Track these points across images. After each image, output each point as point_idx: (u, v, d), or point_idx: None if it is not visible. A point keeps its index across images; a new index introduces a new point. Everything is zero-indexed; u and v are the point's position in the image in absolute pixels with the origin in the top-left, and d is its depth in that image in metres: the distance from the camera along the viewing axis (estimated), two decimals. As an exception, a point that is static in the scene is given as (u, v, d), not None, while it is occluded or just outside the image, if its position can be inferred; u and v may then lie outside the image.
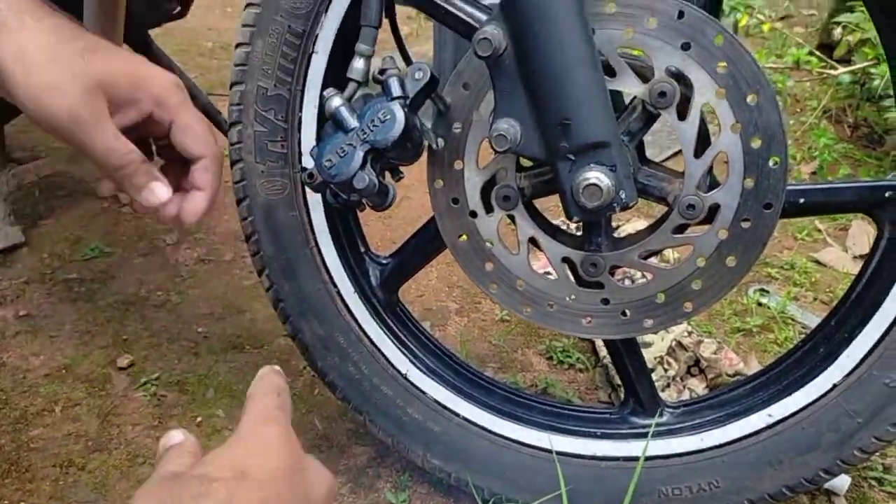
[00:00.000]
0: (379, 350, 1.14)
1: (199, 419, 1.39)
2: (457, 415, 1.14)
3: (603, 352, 1.52)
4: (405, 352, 1.15)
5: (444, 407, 1.14)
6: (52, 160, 2.02)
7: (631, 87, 0.85)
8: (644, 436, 1.08)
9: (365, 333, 1.14)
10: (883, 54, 0.92)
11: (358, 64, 0.85)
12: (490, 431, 1.13)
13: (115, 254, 1.90)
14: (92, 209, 2.10)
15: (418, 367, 1.15)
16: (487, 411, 1.14)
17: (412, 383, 1.15)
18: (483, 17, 0.95)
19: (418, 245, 1.15)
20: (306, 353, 1.17)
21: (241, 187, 1.08)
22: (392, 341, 1.15)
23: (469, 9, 0.97)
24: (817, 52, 2.70)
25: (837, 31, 2.68)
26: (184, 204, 0.87)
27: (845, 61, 2.59)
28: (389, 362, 1.15)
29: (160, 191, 0.79)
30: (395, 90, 0.83)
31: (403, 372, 1.14)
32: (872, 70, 2.29)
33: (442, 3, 0.96)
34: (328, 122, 0.87)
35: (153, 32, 2.00)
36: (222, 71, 3.27)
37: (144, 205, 0.78)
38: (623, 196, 0.84)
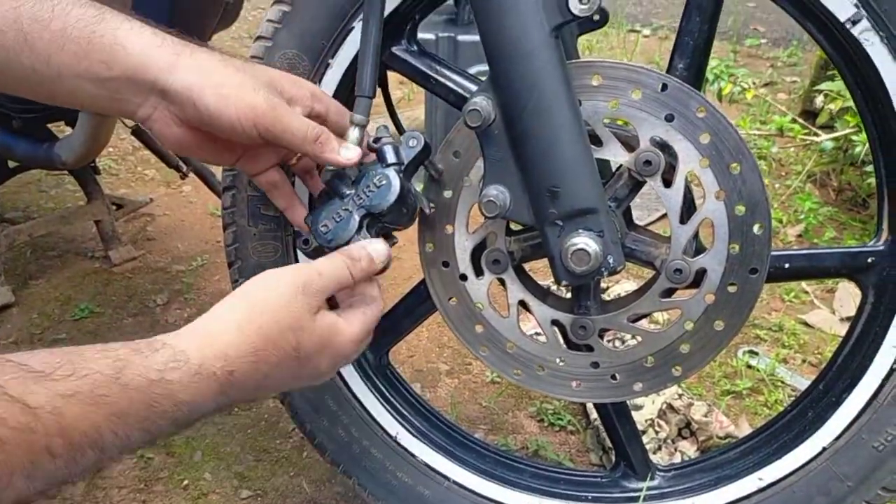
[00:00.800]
0: (369, 412, 1.14)
1: (185, 482, 1.38)
2: (447, 478, 1.13)
3: (594, 413, 1.52)
4: (395, 414, 1.15)
5: (435, 470, 1.13)
6: (44, 221, 2.03)
7: (617, 156, 0.88)
8: (636, 500, 1.07)
9: (354, 395, 1.14)
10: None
11: (353, 133, 0.87)
12: (480, 495, 1.12)
13: (105, 314, 1.90)
14: (83, 269, 2.10)
15: (408, 430, 1.14)
16: (478, 475, 1.13)
17: (402, 446, 1.14)
18: (473, 87, 0.98)
19: (409, 307, 1.15)
20: (295, 416, 1.17)
21: (232, 250, 1.09)
22: (382, 404, 1.14)
23: (459, 79, 1.00)
24: (800, 120, 2.77)
25: (819, 99, 2.74)
26: None
27: (828, 128, 2.64)
28: (379, 425, 1.14)
29: (353, 149, 0.87)
30: (391, 157, 0.86)
31: (393, 435, 1.14)
32: (854, 137, 2.34)
33: (433, 74, 1.00)
34: (323, 189, 0.89)
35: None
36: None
37: (345, 161, 0.86)
38: (611, 261, 0.85)
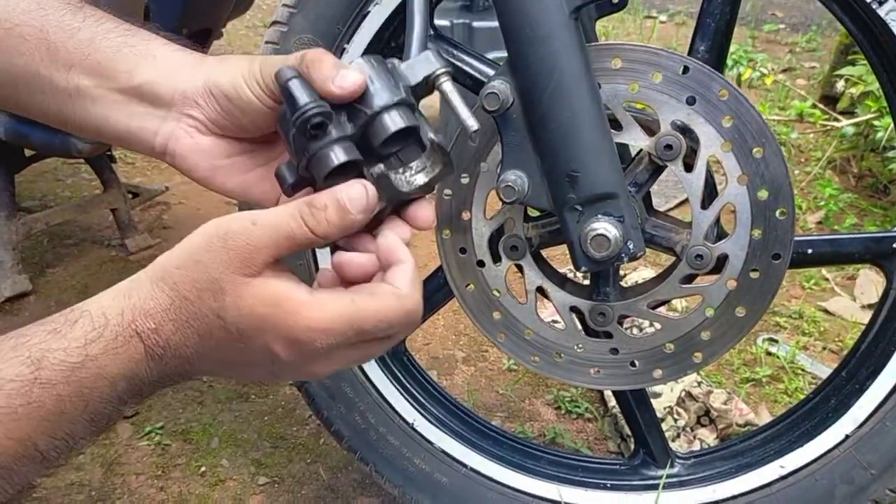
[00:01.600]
0: (385, 400, 1.14)
1: (202, 469, 1.38)
2: (464, 465, 1.13)
3: (612, 401, 1.51)
4: (412, 401, 1.14)
5: (452, 457, 1.13)
6: (60, 209, 2.03)
7: (637, 140, 0.86)
8: (655, 487, 1.06)
9: (371, 382, 1.13)
10: (886, 107, 0.93)
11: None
12: (498, 483, 1.12)
13: (122, 302, 1.90)
14: (99, 258, 2.11)
15: (425, 417, 1.14)
16: (495, 462, 1.12)
17: (419, 433, 1.14)
18: (490, 71, 0.97)
19: (425, 294, 1.14)
20: (312, 403, 1.17)
21: (250, 236, 1.09)
22: (399, 391, 1.14)
23: (476, 63, 0.99)
24: (820, 105, 2.73)
25: (840, 84, 2.71)
26: None
27: (848, 113, 2.61)
28: (396, 412, 1.14)
29: (352, 75, 0.69)
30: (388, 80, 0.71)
31: (410, 422, 1.13)
32: (876, 122, 2.31)
33: (450, 58, 0.98)
34: None
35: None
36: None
37: (339, 92, 0.68)
38: (631, 246, 0.84)
